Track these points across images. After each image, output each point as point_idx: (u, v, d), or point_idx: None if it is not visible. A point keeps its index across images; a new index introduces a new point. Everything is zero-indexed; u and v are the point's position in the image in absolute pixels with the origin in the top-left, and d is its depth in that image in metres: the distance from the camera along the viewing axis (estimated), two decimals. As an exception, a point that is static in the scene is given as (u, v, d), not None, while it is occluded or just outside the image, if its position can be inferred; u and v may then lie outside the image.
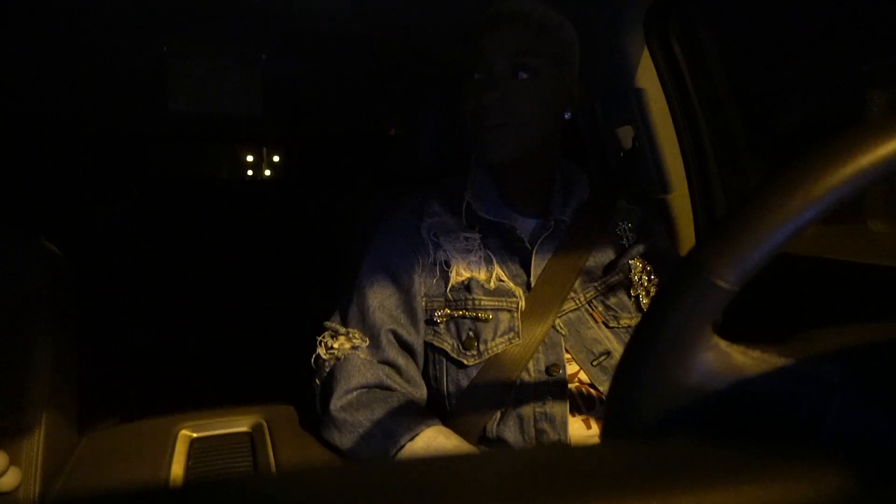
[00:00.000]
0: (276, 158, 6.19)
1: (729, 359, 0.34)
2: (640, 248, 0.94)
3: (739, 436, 0.35)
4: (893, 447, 0.29)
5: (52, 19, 1.08)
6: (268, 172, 6.09)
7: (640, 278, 0.92)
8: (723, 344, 0.35)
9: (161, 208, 2.88)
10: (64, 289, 0.89)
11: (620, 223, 0.97)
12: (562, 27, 0.89)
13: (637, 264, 0.93)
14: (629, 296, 0.91)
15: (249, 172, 6.39)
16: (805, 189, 0.30)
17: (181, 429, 0.91)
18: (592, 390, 0.86)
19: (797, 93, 1.13)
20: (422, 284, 0.90)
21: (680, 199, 1.22)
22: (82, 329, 0.95)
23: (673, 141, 1.19)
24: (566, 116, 0.93)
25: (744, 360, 0.34)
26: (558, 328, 0.87)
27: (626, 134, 1.25)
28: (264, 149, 5.86)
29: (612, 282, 0.91)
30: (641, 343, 0.35)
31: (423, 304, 0.89)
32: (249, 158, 6.32)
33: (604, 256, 0.93)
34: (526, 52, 0.85)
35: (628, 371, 0.36)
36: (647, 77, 1.16)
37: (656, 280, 0.92)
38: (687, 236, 1.23)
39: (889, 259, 0.90)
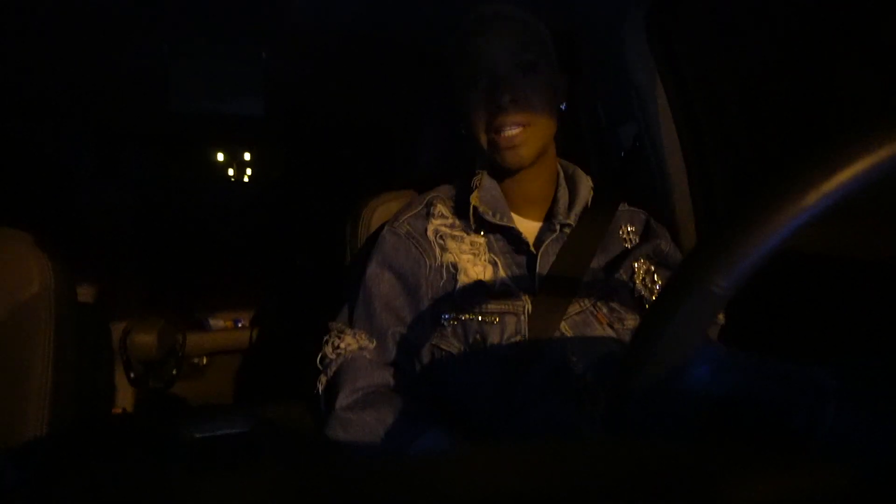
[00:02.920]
0: (248, 170, 6.11)
1: (726, 364, 0.34)
2: (643, 250, 0.95)
3: (736, 439, 0.35)
4: (887, 452, 0.29)
5: (52, 19, 1.08)
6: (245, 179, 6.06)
7: (643, 280, 0.92)
8: (720, 348, 0.35)
9: (160, 207, 2.88)
10: (64, 289, 0.90)
11: (623, 225, 0.97)
12: (537, 22, 0.92)
13: (640, 266, 0.93)
14: (633, 297, 0.92)
15: (230, 172, 6.31)
16: (797, 195, 0.30)
17: (182, 428, 0.91)
18: (598, 391, 0.86)
19: (799, 91, 1.13)
20: (429, 287, 0.90)
21: (681, 199, 1.22)
22: (82, 328, 0.96)
23: (674, 140, 1.18)
24: (562, 108, 0.95)
25: (741, 365, 0.34)
26: (563, 330, 0.87)
27: (627, 133, 1.24)
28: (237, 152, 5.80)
29: (616, 283, 0.92)
30: (640, 347, 0.35)
31: (430, 306, 0.90)
32: (230, 172, 6.24)
33: (607, 258, 0.94)
34: (524, 49, 0.87)
35: (628, 373, 0.36)
36: (648, 76, 1.16)
37: (660, 281, 0.93)
38: (688, 237, 1.23)
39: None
